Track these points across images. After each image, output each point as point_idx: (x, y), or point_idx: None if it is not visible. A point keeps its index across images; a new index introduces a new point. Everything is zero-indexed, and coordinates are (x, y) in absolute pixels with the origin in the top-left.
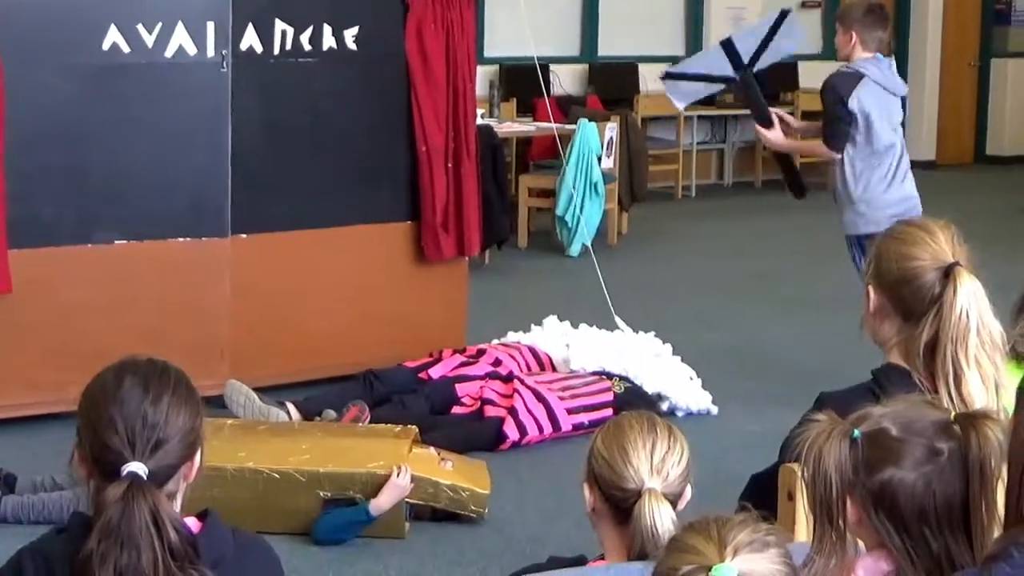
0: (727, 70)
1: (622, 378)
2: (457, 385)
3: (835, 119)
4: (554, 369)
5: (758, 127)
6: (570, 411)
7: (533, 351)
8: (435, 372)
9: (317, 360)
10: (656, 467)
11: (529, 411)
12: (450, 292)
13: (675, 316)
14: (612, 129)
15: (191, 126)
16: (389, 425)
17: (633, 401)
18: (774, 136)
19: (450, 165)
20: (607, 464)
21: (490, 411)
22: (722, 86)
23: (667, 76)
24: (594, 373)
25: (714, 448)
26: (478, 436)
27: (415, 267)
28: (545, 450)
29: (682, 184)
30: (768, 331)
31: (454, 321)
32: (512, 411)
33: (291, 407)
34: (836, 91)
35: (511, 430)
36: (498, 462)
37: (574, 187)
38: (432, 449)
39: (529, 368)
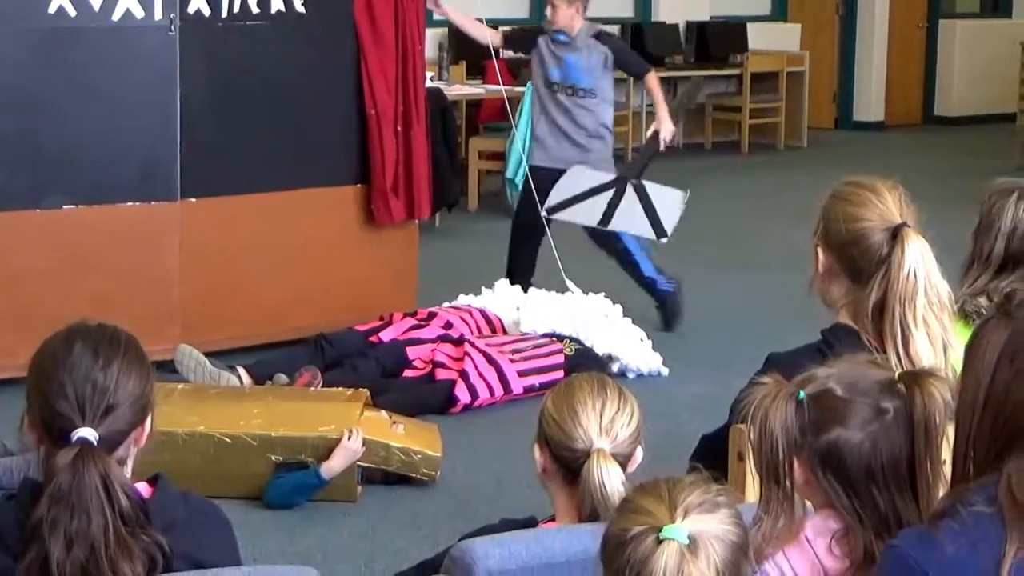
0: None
1: (573, 340)
2: (408, 348)
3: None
4: (505, 332)
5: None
6: (521, 373)
7: (484, 314)
8: (386, 335)
9: (267, 324)
10: (605, 428)
11: (480, 374)
12: (400, 255)
13: (625, 278)
14: None
15: (139, 90)
16: (340, 389)
17: (584, 363)
18: (664, 131)
19: (399, 128)
20: (557, 425)
21: (441, 374)
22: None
23: (551, 211)
24: (545, 335)
25: (665, 409)
26: (429, 399)
27: (365, 231)
28: (496, 413)
29: (632, 146)
30: (719, 292)
31: (405, 284)
32: (463, 374)
33: (242, 371)
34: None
35: (462, 393)
36: (449, 425)
37: (524, 150)
38: (383, 412)
39: (480, 331)
